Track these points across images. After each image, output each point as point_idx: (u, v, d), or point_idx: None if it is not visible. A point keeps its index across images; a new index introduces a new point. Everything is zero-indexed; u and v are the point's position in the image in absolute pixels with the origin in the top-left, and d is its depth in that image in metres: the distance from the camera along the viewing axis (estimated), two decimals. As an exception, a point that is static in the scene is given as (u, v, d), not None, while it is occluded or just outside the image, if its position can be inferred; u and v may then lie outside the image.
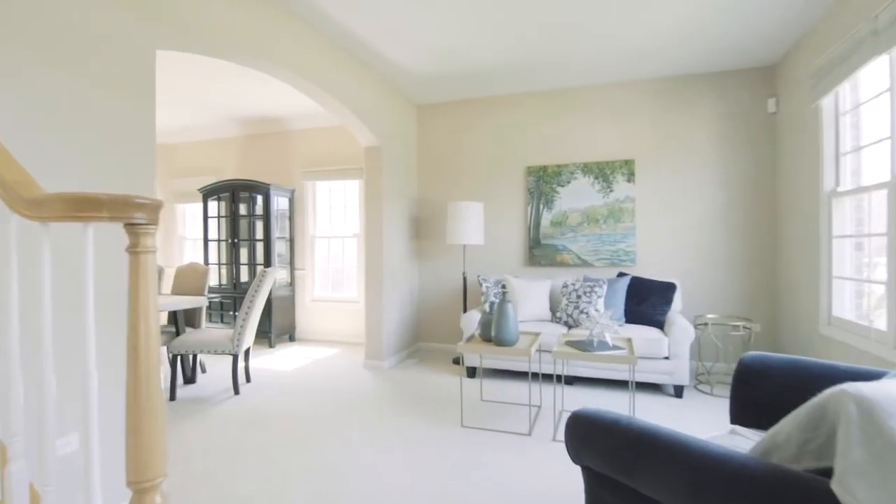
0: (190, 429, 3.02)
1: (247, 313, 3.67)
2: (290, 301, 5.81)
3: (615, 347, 2.86)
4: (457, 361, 4.62)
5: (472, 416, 3.19)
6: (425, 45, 3.66)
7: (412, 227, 5.09)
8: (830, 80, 2.94)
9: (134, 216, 0.99)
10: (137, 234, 1.00)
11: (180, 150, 6.63)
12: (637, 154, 4.43)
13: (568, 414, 3.19)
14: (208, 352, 3.61)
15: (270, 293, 5.38)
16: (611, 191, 4.46)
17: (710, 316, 4.10)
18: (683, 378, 3.42)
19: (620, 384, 3.84)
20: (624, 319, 3.91)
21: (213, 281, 5.87)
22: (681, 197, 4.31)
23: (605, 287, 3.91)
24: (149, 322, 1.00)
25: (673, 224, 4.33)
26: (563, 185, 4.62)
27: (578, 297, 3.94)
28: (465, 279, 4.57)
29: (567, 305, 3.99)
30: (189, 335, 3.70)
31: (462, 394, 3.38)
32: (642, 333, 3.57)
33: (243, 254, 5.73)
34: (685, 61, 3.99)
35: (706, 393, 3.60)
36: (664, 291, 3.86)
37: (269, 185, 5.45)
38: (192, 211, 6.72)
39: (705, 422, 3.03)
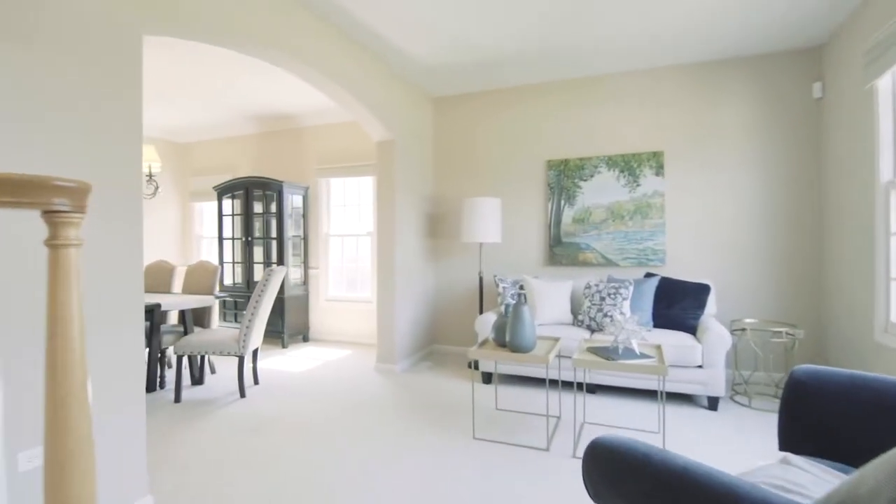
0: (191, 432, 2.90)
1: (253, 313, 3.54)
2: (304, 300, 5.69)
3: (643, 355, 2.60)
4: (472, 366, 4.40)
5: (485, 426, 2.98)
6: (435, 32, 3.45)
7: (427, 225, 4.89)
8: (888, 57, 2.62)
9: (52, 202, 0.81)
10: (56, 224, 0.82)
11: (196, 149, 6.60)
12: (666, 146, 4.12)
13: (590, 427, 2.94)
14: (214, 353, 3.50)
15: (283, 292, 5.28)
16: (637, 185, 4.17)
17: (748, 321, 3.78)
18: (718, 389, 3.13)
19: (648, 393, 3.55)
20: (652, 324, 3.62)
21: (227, 279, 5.81)
22: (715, 191, 3.98)
23: (631, 288, 3.63)
24: (70, 331, 0.83)
25: (706, 220, 4.01)
26: (585, 180, 4.35)
27: (602, 299, 3.67)
28: (481, 279, 4.35)
29: (590, 308, 3.72)
30: (195, 336, 3.59)
31: (475, 402, 3.17)
32: (673, 339, 3.29)
33: (257, 252, 5.64)
34: (719, 45, 3.67)
35: (743, 405, 3.29)
36: (697, 293, 3.56)
37: (282, 182, 5.34)
38: (208, 209, 6.69)
39: (747, 441, 2.73)
